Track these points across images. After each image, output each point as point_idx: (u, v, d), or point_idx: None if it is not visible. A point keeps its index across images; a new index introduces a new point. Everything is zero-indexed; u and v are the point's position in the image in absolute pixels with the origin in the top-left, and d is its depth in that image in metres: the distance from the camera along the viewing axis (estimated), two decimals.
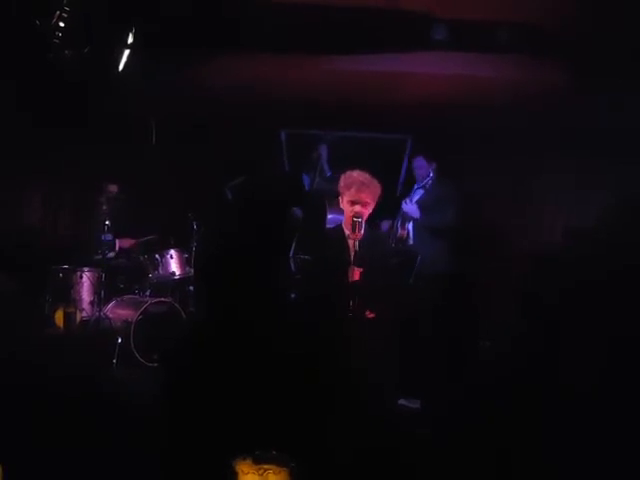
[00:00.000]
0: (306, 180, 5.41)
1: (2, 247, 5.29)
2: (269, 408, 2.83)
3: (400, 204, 4.97)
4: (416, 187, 5.15)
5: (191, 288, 5.49)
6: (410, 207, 4.92)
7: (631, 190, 4.67)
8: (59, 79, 4.94)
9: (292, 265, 4.27)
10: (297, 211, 4.89)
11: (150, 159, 6.03)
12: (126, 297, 5.37)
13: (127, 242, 5.76)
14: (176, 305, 5.15)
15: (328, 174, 5.38)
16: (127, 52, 4.81)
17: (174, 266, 5.47)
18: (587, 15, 4.33)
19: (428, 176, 5.06)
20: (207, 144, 6.15)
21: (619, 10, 4.21)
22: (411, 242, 4.95)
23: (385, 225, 5.15)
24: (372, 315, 3.54)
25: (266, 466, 2.32)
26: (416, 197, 5.09)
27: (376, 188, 3.68)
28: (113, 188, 5.89)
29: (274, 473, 2.33)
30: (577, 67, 4.85)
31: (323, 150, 5.54)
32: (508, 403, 3.05)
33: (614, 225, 4.45)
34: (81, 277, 5.36)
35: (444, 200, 4.95)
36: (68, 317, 5.16)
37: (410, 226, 4.99)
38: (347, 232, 3.67)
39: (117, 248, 5.68)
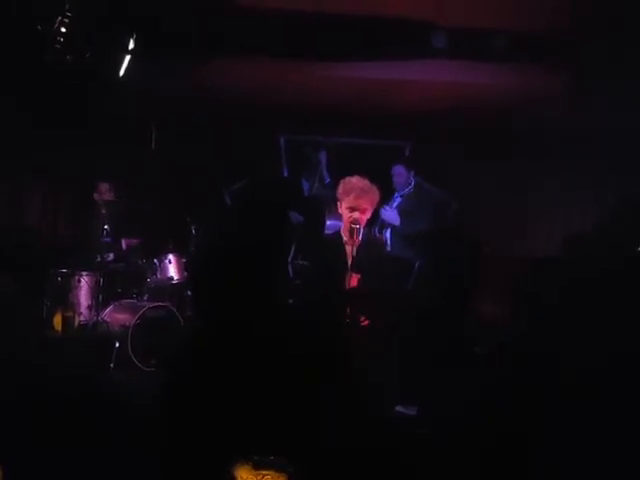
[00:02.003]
0: (305, 186, 5.43)
1: (1, 247, 5.30)
2: (268, 413, 2.83)
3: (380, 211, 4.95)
4: (396, 195, 5.16)
5: (189, 293, 5.49)
6: (389, 214, 4.91)
7: (630, 191, 4.70)
8: (59, 80, 4.97)
9: (291, 270, 4.28)
10: (296, 217, 4.90)
11: (149, 161, 6.04)
12: (124, 301, 5.37)
13: (134, 241, 5.78)
14: (174, 310, 5.14)
15: (327, 181, 5.39)
16: (128, 57, 4.84)
17: (172, 271, 5.47)
18: (587, 20, 4.36)
19: (408, 184, 5.08)
20: (207, 145, 6.16)
21: (619, 14, 4.24)
22: (388, 249, 4.92)
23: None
24: (370, 321, 3.55)
25: (264, 471, 2.32)
26: (395, 204, 5.09)
27: (375, 195, 3.67)
28: (112, 192, 5.91)
29: (272, 478, 2.32)
30: (577, 72, 4.89)
31: (322, 156, 5.55)
32: (508, 403, 3.05)
33: (613, 226, 4.48)
34: (79, 281, 5.38)
35: (430, 205, 4.95)
36: (66, 321, 5.16)
37: (387, 233, 4.98)
38: (345, 238, 3.67)
39: (124, 247, 5.69)
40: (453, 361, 3.97)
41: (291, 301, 3.96)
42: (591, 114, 4.88)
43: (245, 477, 2.28)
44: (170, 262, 5.47)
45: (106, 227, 5.41)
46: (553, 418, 2.83)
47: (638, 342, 3.24)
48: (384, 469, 2.62)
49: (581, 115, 4.96)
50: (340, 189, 3.69)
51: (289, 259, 4.34)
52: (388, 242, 4.92)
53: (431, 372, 3.76)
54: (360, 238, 3.60)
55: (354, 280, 3.51)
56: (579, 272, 3.97)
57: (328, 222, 4.71)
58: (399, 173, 5.20)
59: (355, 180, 3.66)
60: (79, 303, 5.35)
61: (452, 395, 3.46)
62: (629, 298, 3.52)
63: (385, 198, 4.33)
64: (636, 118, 4.64)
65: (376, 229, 4.90)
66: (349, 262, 3.58)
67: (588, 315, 3.55)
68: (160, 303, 5.20)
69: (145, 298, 5.38)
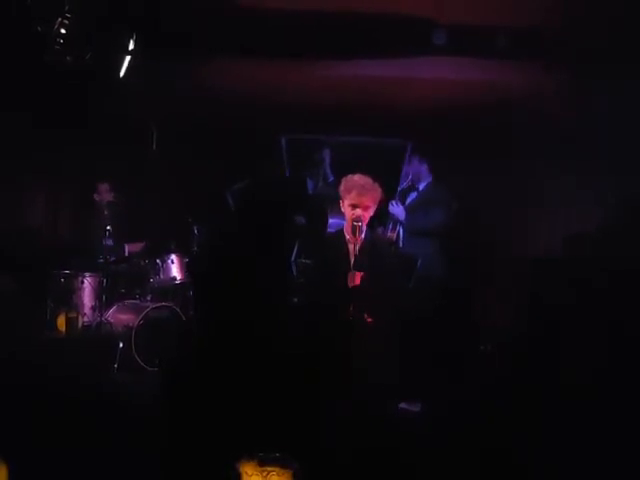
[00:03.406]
0: (310, 185, 5.43)
1: (3, 248, 5.32)
2: (272, 410, 2.85)
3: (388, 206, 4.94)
4: (399, 189, 5.15)
5: (192, 292, 5.50)
6: (397, 209, 4.92)
7: (630, 191, 4.72)
8: (59, 80, 4.98)
9: (293, 269, 4.29)
10: (299, 220, 4.90)
11: (149, 161, 6.04)
12: (127, 302, 5.38)
13: (137, 246, 5.79)
14: (177, 310, 5.16)
15: (330, 179, 5.39)
16: (128, 57, 4.85)
17: (175, 271, 5.48)
18: (587, 19, 4.38)
19: (421, 177, 5.08)
20: (207, 145, 6.16)
21: (619, 13, 4.26)
22: (400, 245, 4.94)
23: (380, 229, 5.13)
24: (372, 319, 3.56)
25: (270, 468, 2.34)
26: (407, 199, 5.10)
27: (377, 192, 3.69)
28: (113, 192, 5.92)
29: (277, 475, 2.35)
30: (577, 72, 4.90)
31: (326, 154, 5.56)
32: (508, 403, 3.08)
33: (613, 226, 4.49)
34: (82, 282, 5.40)
35: (437, 203, 4.95)
36: (70, 322, 5.18)
37: (400, 229, 4.99)
38: (348, 236, 3.69)
39: (127, 253, 5.71)
40: (454, 360, 4.00)
41: (295, 300, 3.98)
42: (591, 114, 4.90)
43: (250, 473, 2.31)
44: (173, 262, 5.48)
45: (108, 228, 5.41)
46: (553, 418, 2.85)
47: (638, 342, 3.26)
48: (385, 467, 2.64)
49: (581, 115, 4.97)
50: (342, 187, 3.72)
51: (292, 258, 4.35)
52: (399, 239, 4.92)
53: (432, 371, 3.78)
54: (362, 236, 3.63)
55: (357, 278, 3.53)
56: (579, 272, 4.00)
57: (331, 220, 4.71)
58: (411, 162, 5.20)
59: (357, 178, 3.69)
60: (82, 304, 5.36)
61: (453, 394, 3.49)
62: (629, 298, 3.54)
63: (388, 195, 4.32)
64: (636, 118, 4.65)
65: (390, 226, 4.90)
66: (351, 260, 3.60)
67: (588, 315, 3.58)
68: (163, 303, 5.22)
69: (148, 298, 5.39)
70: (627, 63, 4.55)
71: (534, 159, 5.58)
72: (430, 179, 5.08)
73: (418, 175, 5.08)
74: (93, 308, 5.34)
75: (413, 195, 5.10)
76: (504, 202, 5.83)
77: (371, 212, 3.70)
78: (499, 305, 5.24)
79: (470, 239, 5.41)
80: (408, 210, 4.94)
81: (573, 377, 3.20)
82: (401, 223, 4.93)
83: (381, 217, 4.79)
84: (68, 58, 4.58)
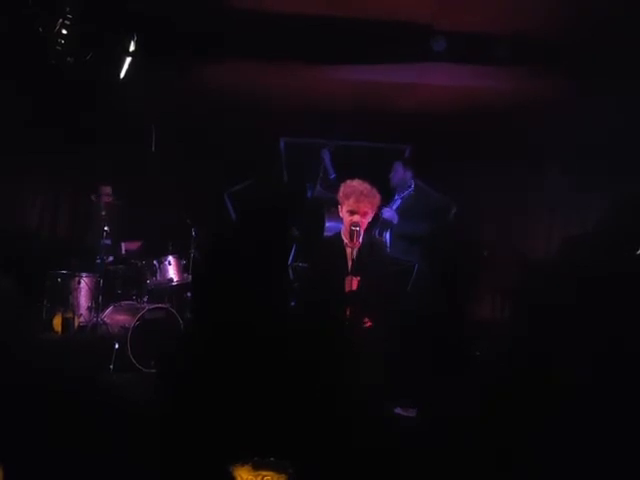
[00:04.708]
0: (309, 187, 5.45)
1: (1, 248, 5.30)
2: (267, 414, 2.83)
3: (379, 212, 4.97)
4: (396, 197, 5.20)
5: (189, 294, 5.48)
6: (389, 213, 4.94)
7: (630, 191, 4.71)
8: (60, 80, 4.97)
9: (291, 273, 4.29)
10: (297, 223, 4.91)
11: (149, 161, 6.04)
12: (124, 303, 5.36)
13: (134, 245, 5.77)
14: (173, 311, 5.13)
15: (332, 176, 5.40)
16: (129, 59, 4.84)
17: (172, 272, 5.45)
18: (586, 21, 4.37)
19: (406, 184, 5.13)
20: (207, 146, 6.16)
21: (619, 14, 4.25)
22: (388, 251, 4.96)
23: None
24: (369, 323, 3.55)
25: (264, 472, 2.33)
26: (395, 205, 5.13)
27: (375, 198, 3.69)
28: (112, 193, 5.91)
29: (272, 479, 2.33)
30: (576, 73, 4.89)
31: (325, 154, 5.58)
32: (508, 403, 3.06)
33: (613, 226, 4.48)
34: (79, 282, 5.38)
35: (422, 209, 4.97)
36: (66, 322, 5.16)
37: (387, 235, 5.01)
38: (345, 240, 3.69)
39: (124, 251, 5.69)
40: (452, 362, 3.98)
41: (293, 304, 3.97)
42: (591, 114, 4.89)
43: (245, 477, 2.29)
44: (170, 264, 5.45)
45: (106, 228, 5.40)
46: (552, 418, 2.84)
47: (637, 342, 3.25)
48: (384, 469, 2.63)
49: (581, 116, 4.97)
50: (341, 192, 3.73)
51: (289, 262, 4.36)
52: (387, 244, 4.93)
53: (430, 373, 3.77)
54: (360, 241, 3.62)
55: (354, 283, 3.52)
56: (579, 273, 3.97)
57: (329, 224, 4.73)
58: (395, 169, 5.26)
59: (356, 183, 3.69)
60: (79, 304, 5.34)
61: (451, 396, 3.48)
62: (629, 299, 3.52)
63: (386, 201, 4.33)
64: (636, 118, 4.64)
65: (377, 231, 4.92)
66: (349, 264, 3.60)
67: (588, 316, 3.56)
68: (160, 305, 5.19)
69: (145, 300, 5.35)
70: (627, 63, 4.54)
71: (534, 160, 5.58)
72: (413, 187, 5.12)
73: (403, 182, 5.13)
74: (89, 309, 5.32)
75: (398, 202, 5.13)
76: (504, 203, 5.83)
77: (369, 218, 3.71)
78: (498, 307, 5.23)
79: (469, 239, 5.40)
80: (399, 214, 4.97)
81: (572, 377, 3.17)
82: (392, 227, 4.95)
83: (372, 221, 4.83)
84: (69, 59, 4.58)
